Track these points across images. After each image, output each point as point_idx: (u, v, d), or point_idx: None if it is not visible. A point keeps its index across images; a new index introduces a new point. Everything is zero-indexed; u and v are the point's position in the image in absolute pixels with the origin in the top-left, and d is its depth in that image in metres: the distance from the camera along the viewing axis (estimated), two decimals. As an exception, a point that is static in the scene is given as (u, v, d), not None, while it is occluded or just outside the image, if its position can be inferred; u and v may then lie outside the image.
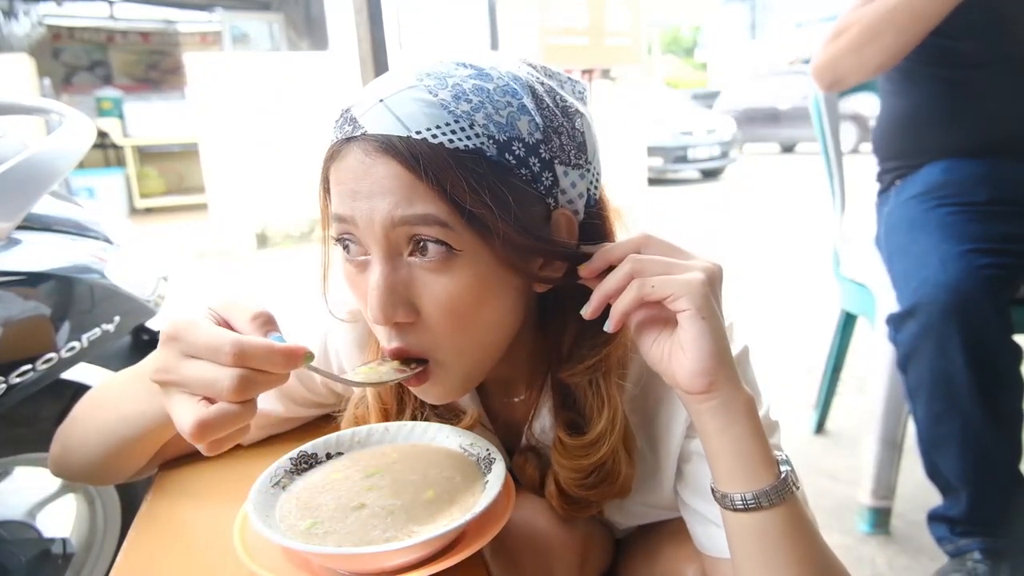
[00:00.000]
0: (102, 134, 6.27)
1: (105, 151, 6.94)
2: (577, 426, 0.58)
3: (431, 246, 0.48)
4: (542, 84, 0.53)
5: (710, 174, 9.15)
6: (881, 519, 1.44)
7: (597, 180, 0.56)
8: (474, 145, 0.47)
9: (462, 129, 0.47)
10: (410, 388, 0.55)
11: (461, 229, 0.47)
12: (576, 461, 0.57)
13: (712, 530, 0.58)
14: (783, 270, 3.95)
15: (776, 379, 2.33)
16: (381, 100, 0.48)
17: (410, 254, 0.49)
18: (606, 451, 0.56)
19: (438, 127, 0.47)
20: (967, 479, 1.12)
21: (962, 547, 1.16)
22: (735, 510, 0.50)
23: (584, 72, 6.26)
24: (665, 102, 9.62)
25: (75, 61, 7.79)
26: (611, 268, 0.51)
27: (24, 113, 1.13)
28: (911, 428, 1.22)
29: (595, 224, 0.56)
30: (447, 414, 0.63)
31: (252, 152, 5.19)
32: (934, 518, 1.22)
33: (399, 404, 0.62)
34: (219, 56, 6.78)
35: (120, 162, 6.86)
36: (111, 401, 0.64)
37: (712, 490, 0.52)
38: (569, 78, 0.57)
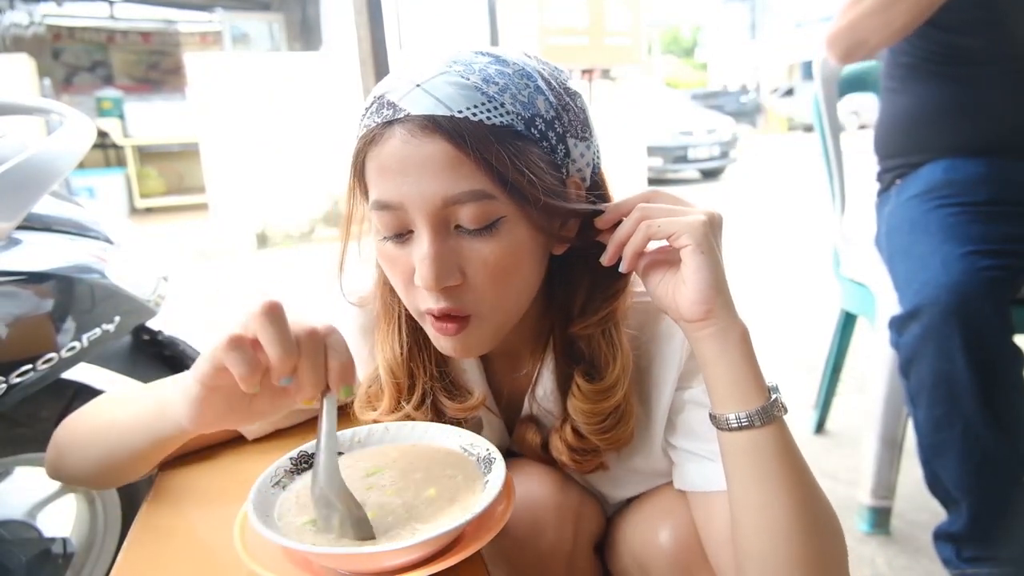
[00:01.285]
0: (102, 134, 6.28)
1: (105, 151, 6.95)
2: (591, 374, 0.62)
3: (478, 218, 0.53)
4: (545, 68, 0.58)
5: (710, 174, 9.15)
6: (881, 519, 1.44)
7: (598, 152, 0.62)
8: (506, 122, 0.52)
9: (495, 108, 0.52)
10: (442, 338, 0.58)
11: (503, 199, 0.53)
12: (595, 405, 0.62)
13: (705, 465, 0.63)
14: (783, 270, 3.95)
15: (777, 379, 2.32)
16: (418, 85, 0.52)
17: (456, 226, 0.54)
18: (621, 395, 0.62)
19: (476, 106, 0.51)
20: (967, 488, 1.11)
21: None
22: (730, 430, 0.55)
23: (584, 72, 6.25)
24: (665, 102, 9.62)
25: (75, 61, 7.80)
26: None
27: (24, 113, 1.13)
28: (911, 428, 1.22)
29: (597, 190, 0.62)
30: (456, 391, 0.66)
31: (252, 152, 5.19)
32: (939, 537, 1.20)
33: (411, 379, 0.64)
34: (219, 56, 6.78)
35: (120, 162, 6.87)
36: (119, 413, 0.65)
37: (710, 416, 0.57)
38: (556, 66, 0.61)
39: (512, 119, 0.52)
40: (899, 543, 1.42)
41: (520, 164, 0.52)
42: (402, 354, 0.64)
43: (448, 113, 0.51)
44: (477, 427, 0.70)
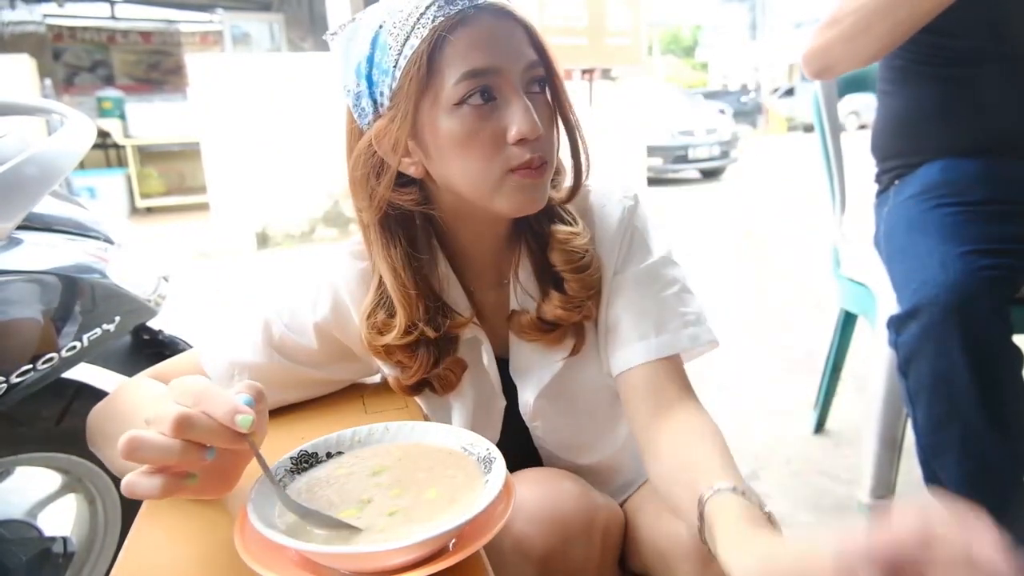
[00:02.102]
0: (103, 134, 6.28)
1: (106, 151, 6.95)
2: (563, 223, 0.73)
3: (540, 81, 0.66)
4: None
5: (710, 174, 9.15)
6: (881, 519, 1.44)
7: None
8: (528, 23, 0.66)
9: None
10: (528, 186, 0.65)
11: (554, 69, 0.67)
12: (571, 244, 0.71)
13: (628, 348, 0.71)
14: (783, 269, 3.95)
15: (776, 379, 2.33)
16: None
17: (526, 90, 0.64)
18: (588, 236, 0.73)
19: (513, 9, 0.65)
20: (967, 488, 1.11)
21: None
22: None
23: (584, 72, 6.25)
24: (665, 101, 9.61)
25: (76, 61, 7.80)
26: None
27: (25, 113, 1.13)
28: (911, 428, 1.22)
29: None
30: (448, 308, 0.72)
31: (253, 152, 5.19)
32: None
33: (416, 291, 0.70)
34: (220, 56, 6.78)
35: (121, 162, 6.87)
36: (128, 418, 0.66)
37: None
38: None
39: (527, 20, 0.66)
40: (899, 543, 1.42)
41: (546, 48, 0.67)
42: (411, 271, 0.70)
43: (507, 7, 0.64)
44: (476, 345, 0.75)
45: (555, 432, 0.78)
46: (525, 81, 0.64)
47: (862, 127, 12.23)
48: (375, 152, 0.67)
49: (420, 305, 0.70)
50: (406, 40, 0.62)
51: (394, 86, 0.63)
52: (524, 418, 0.77)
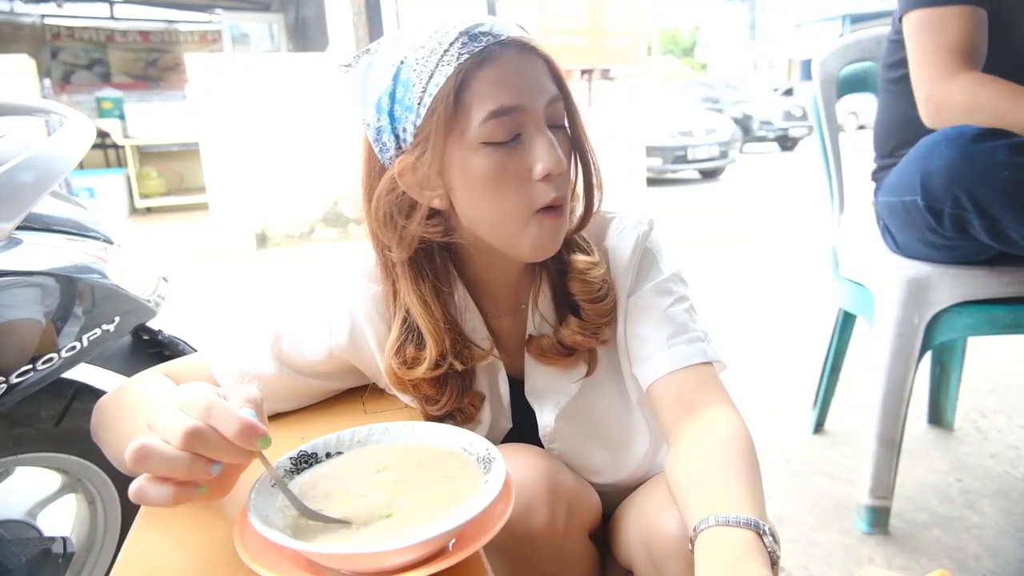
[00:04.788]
0: (103, 134, 6.28)
1: (106, 151, 6.95)
2: (581, 253, 0.74)
3: (562, 116, 0.67)
4: None
5: (709, 174, 9.15)
6: (880, 519, 1.44)
7: None
8: (546, 55, 0.66)
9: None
10: (549, 228, 0.67)
11: (572, 103, 0.68)
12: (588, 274, 0.73)
13: (645, 363, 0.73)
14: (782, 270, 3.95)
15: (776, 379, 2.33)
16: (495, 22, 0.64)
17: (550, 124, 0.65)
18: (606, 267, 0.75)
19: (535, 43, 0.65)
20: None
21: None
22: None
23: (584, 72, 6.25)
24: (665, 102, 9.62)
25: (74, 60, 7.79)
26: None
27: (24, 114, 1.13)
28: (910, 427, 1.22)
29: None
30: (470, 341, 0.74)
31: (252, 152, 5.19)
32: None
33: (446, 323, 0.72)
34: (219, 56, 6.78)
35: (120, 162, 6.86)
36: (132, 415, 0.67)
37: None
38: None
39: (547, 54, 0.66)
40: (898, 543, 1.42)
41: (565, 83, 0.67)
42: (441, 307, 0.71)
43: (532, 41, 0.64)
44: (492, 371, 0.77)
45: (572, 454, 0.79)
46: (548, 116, 0.65)
47: (861, 127, 12.24)
48: (398, 188, 0.66)
49: (448, 338, 0.71)
50: (430, 78, 0.61)
51: (419, 123, 0.63)
52: (543, 440, 0.78)
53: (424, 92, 0.61)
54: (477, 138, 0.62)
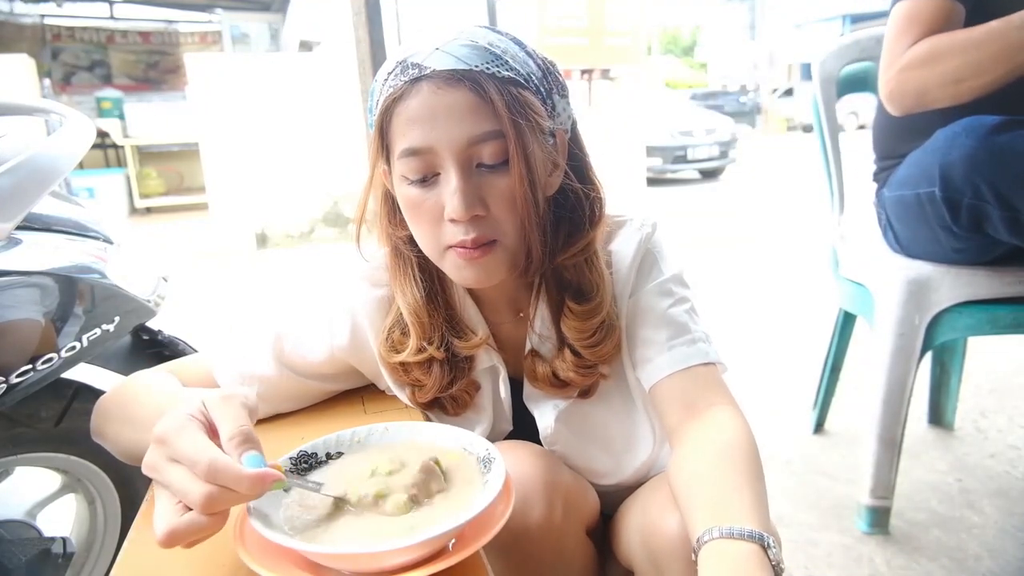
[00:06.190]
0: (102, 134, 6.28)
1: (105, 151, 6.95)
2: (579, 298, 0.72)
3: (495, 155, 0.62)
4: (526, 41, 0.68)
5: (709, 174, 9.15)
6: (880, 519, 1.44)
7: (573, 111, 0.72)
8: (511, 76, 0.62)
9: (502, 64, 0.61)
10: (466, 267, 0.65)
11: (513, 140, 0.61)
12: (584, 323, 0.71)
13: (648, 365, 0.72)
14: (782, 270, 3.95)
15: (776, 379, 2.33)
16: (437, 48, 0.61)
17: (477, 165, 0.62)
18: (605, 312, 0.72)
19: (487, 63, 0.61)
20: None
21: None
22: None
23: (584, 72, 6.25)
24: (665, 102, 9.61)
25: (75, 61, 7.80)
26: None
27: (24, 114, 1.13)
28: (910, 427, 1.22)
29: (576, 142, 0.73)
30: (463, 332, 0.74)
31: (252, 152, 5.19)
32: None
33: (430, 318, 0.73)
34: (219, 56, 6.78)
35: (120, 162, 6.87)
36: (138, 410, 0.67)
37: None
38: None
39: (515, 74, 0.62)
40: (898, 543, 1.42)
41: (525, 110, 0.62)
42: (422, 296, 0.72)
43: (466, 67, 0.59)
44: (494, 373, 0.77)
45: (573, 456, 0.79)
46: (473, 156, 0.62)
47: (861, 127, 12.23)
48: (384, 185, 0.71)
49: (433, 327, 0.73)
50: (376, 101, 0.65)
51: (370, 137, 0.67)
52: (544, 442, 0.78)
53: (372, 113, 0.66)
54: (398, 171, 0.64)
